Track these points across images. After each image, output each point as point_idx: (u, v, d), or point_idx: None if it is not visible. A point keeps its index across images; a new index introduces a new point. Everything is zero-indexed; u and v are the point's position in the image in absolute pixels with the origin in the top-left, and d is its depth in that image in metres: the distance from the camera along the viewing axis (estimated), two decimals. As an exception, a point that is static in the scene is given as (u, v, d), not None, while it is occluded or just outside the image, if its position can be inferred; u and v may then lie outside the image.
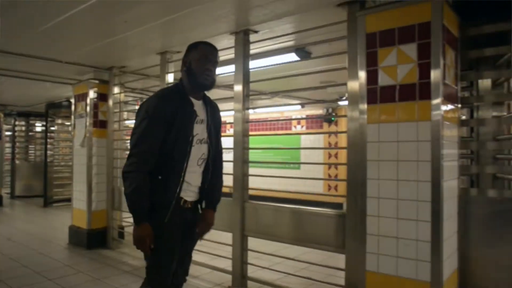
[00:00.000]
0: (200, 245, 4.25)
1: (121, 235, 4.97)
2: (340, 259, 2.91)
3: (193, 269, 3.67)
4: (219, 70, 4.73)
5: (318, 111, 9.33)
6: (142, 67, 4.53)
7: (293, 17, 3.21)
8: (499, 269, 2.50)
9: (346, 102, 2.87)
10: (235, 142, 3.49)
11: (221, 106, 2.34)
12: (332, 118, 8.96)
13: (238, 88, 3.46)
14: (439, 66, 2.22)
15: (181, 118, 1.93)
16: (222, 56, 4.12)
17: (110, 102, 4.81)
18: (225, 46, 3.63)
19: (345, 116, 4.03)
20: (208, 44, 2.07)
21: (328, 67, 3.29)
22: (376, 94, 2.46)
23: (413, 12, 2.30)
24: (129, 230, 5.09)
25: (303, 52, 4.07)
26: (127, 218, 5.05)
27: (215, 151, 2.14)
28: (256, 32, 3.45)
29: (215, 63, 2.04)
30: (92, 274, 3.86)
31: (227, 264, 3.57)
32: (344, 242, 2.77)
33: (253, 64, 3.54)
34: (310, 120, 9.33)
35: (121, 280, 3.70)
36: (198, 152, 2.02)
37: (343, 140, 8.84)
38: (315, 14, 3.13)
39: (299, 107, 8.80)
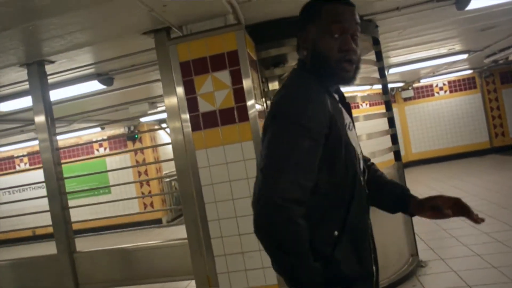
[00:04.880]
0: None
1: None
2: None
3: None
4: (8, 106, 4.03)
5: (119, 130, 8.87)
6: None
7: (96, 46, 2.95)
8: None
9: (148, 119, 2.88)
10: (46, 174, 3.01)
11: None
12: (136, 136, 8.69)
13: (40, 118, 3.02)
14: (251, 90, 2.45)
15: (340, 126, 1.18)
16: (13, 88, 3.50)
17: None
18: (16, 79, 3.11)
19: (149, 131, 4.04)
20: (340, 2, 1.20)
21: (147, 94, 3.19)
22: (199, 120, 2.53)
23: (221, 41, 2.45)
24: None
25: (106, 78, 3.82)
26: None
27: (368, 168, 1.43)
28: (52, 62, 3.03)
29: (356, 30, 1.20)
30: None
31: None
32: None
33: (57, 92, 3.22)
34: (113, 140, 8.79)
35: None
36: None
37: (150, 156, 8.71)
38: (121, 42, 2.95)
39: (98, 129, 8.16)
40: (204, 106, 2.50)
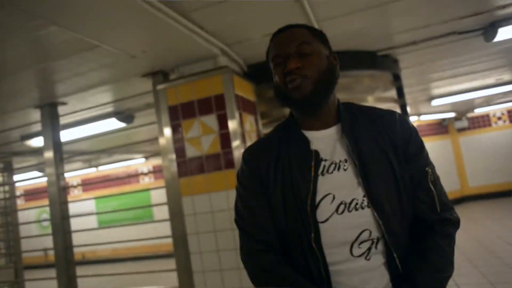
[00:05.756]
0: None
1: None
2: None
3: None
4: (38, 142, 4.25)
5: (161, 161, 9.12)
6: None
7: (106, 87, 3.04)
8: None
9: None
10: (52, 212, 3.06)
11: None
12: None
13: (49, 157, 3.13)
14: (237, 135, 2.33)
15: (283, 172, 1.08)
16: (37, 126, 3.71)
17: None
18: (36, 119, 3.33)
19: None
20: (280, 31, 1.13)
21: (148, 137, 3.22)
22: (186, 166, 2.44)
23: (208, 84, 2.38)
24: None
25: (125, 116, 3.91)
26: None
27: (397, 219, 1.02)
28: (65, 104, 3.16)
29: (300, 48, 1.06)
30: None
31: None
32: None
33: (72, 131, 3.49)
34: (157, 170, 9.06)
35: None
36: (345, 229, 1.01)
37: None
38: (130, 83, 3.00)
39: (142, 160, 8.47)
40: (191, 152, 2.42)
